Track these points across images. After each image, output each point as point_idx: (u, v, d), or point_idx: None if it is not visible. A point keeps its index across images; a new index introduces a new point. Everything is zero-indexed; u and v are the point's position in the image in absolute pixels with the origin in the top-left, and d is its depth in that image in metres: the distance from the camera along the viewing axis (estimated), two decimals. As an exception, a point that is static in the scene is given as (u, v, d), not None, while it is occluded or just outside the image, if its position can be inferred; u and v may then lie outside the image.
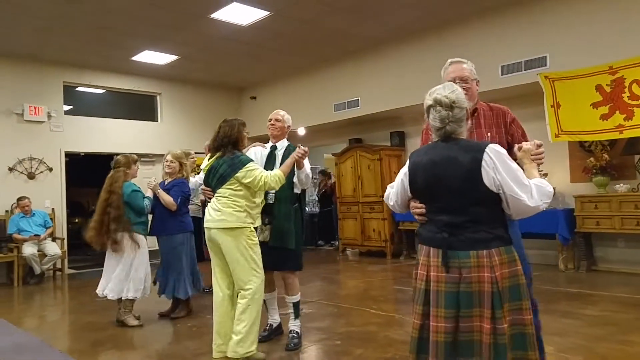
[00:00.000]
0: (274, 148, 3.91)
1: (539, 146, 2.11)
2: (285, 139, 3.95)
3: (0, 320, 5.08)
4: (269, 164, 3.79)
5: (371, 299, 5.27)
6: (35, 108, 8.12)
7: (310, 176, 3.78)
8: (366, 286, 6.08)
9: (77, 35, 7.14)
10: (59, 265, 7.95)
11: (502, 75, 6.63)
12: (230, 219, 3.34)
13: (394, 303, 5.22)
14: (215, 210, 3.41)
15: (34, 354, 3.90)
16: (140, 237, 4.61)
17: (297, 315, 3.83)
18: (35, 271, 7.31)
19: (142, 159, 9.33)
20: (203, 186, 3.68)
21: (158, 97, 9.80)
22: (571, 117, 5.85)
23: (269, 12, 6.51)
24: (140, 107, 9.70)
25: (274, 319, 4.02)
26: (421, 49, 7.59)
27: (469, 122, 2.12)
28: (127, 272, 4.55)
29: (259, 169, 3.43)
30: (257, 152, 3.89)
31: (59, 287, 7.26)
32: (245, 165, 3.38)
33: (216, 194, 3.46)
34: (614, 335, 3.74)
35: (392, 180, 8.71)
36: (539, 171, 2.12)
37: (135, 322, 4.57)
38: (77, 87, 8.90)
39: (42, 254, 7.41)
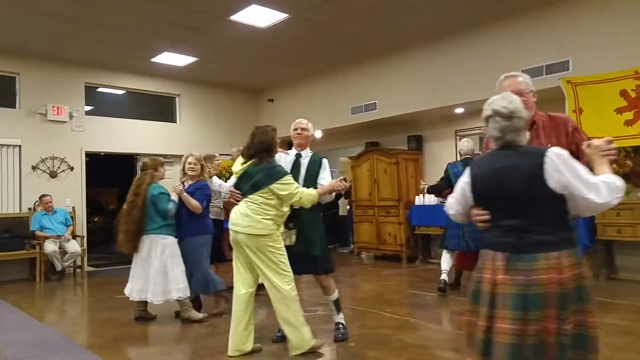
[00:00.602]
0: (298, 156, 3.97)
1: (609, 142, 2.12)
2: (308, 148, 4.04)
3: (23, 314, 5.21)
4: (293, 172, 3.83)
5: (386, 303, 5.27)
6: (58, 108, 8.29)
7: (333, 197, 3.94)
8: (381, 290, 6.07)
9: (98, 37, 7.28)
10: (78, 263, 8.09)
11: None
12: (258, 226, 3.44)
13: (408, 307, 5.21)
14: (244, 215, 3.48)
15: (54, 347, 3.98)
16: (170, 239, 4.65)
17: (339, 311, 3.96)
18: (57, 268, 7.47)
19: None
20: (232, 188, 3.72)
21: (177, 99, 9.92)
22: (594, 122, 5.72)
23: (287, 15, 6.56)
24: (160, 108, 9.83)
25: None
26: (439, 53, 7.57)
27: (527, 133, 2.16)
28: (165, 274, 4.56)
29: (295, 183, 3.55)
30: (279, 159, 3.91)
31: (78, 284, 7.39)
32: (282, 177, 3.49)
33: (246, 199, 3.53)
34: (634, 345, 3.69)
35: (408, 184, 8.70)
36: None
37: (200, 316, 4.62)
38: (98, 87, 9.05)
39: (63, 251, 7.56)
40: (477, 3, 6.38)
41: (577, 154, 2.36)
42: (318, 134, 9.79)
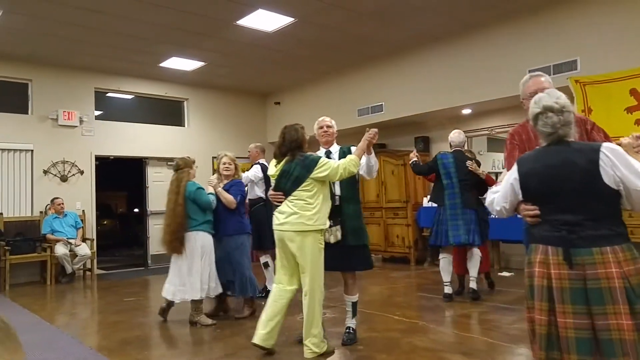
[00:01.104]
0: (328, 153, 3.99)
1: (638, 138, 2.17)
2: (335, 143, 4.08)
3: (34, 316, 5.27)
4: None
5: (394, 305, 5.25)
6: (68, 113, 8.39)
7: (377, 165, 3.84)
8: (389, 292, 6.05)
9: (108, 43, 7.37)
10: (88, 266, 8.17)
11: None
12: (308, 222, 3.48)
13: (417, 310, 5.18)
14: (291, 213, 3.52)
15: (65, 349, 4.03)
16: (208, 237, 4.71)
17: (354, 314, 3.98)
18: (67, 270, 7.56)
19: (168, 163, 9.60)
20: (272, 192, 3.74)
21: (185, 103, 10.00)
22: (603, 122, 5.59)
23: (293, 19, 6.59)
24: (168, 113, 9.91)
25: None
26: (445, 54, 7.56)
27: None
28: (190, 273, 4.60)
29: (331, 161, 3.59)
30: None
31: (88, 287, 7.46)
32: (317, 162, 3.53)
33: (291, 197, 3.56)
34: None
35: (416, 185, 8.61)
36: None
37: (209, 321, 4.60)
38: (108, 92, 9.15)
39: (73, 254, 7.64)
40: (483, 4, 6.37)
41: None
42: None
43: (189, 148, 9.65)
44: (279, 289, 3.66)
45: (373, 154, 3.78)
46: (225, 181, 4.93)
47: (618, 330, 1.84)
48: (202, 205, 4.63)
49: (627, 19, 5.79)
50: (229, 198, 4.73)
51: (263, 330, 3.56)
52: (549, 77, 2.67)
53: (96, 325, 5.09)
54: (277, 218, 3.61)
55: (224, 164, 4.93)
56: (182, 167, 4.80)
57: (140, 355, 3.89)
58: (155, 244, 9.43)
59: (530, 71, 6.43)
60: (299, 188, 3.51)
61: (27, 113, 8.18)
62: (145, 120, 9.47)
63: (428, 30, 7.24)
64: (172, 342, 4.28)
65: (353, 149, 3.86)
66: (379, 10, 6.41)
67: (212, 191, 4.78)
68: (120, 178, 13.18)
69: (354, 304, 3.98)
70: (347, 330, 3.97)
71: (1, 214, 7.67)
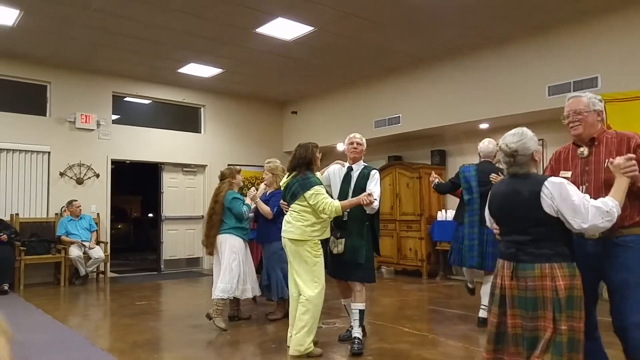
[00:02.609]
0: (350, 169, 4.18)
1: (629, 159, 2.31)
2: (361, 161, 4.22)
3: (48, 316, 5.31)
4: (345, 184, 4.13)
5: (405, 318, 5.22)
6: (86, 116, 8.48)
7: (378, 206, 3.98)
8: (401, 305, 6.01)
9: (127, 48, 7.46)
10: (102, 268, 8.21)
11: (549, 95, 6.48)
12: (296, 231, 3.80)
13: (428, 323, 5.13)
14: (287, 222, 3.89)
15: (77, 350, 4.05)
16: (239, 240, 4.91)
17: (360, 323, 4.04)
18: (80, 272, 7.60)
19: (184, 169, 9.65)
20: (282, 201, 4.19)
21: (202, 109, 10.07)
22: None
23: (312, 28, 6.61)
24: (185, 118, 9.98)
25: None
26: (464, 67, 7.53)
27: (585, 148, 2.59)
28: (218, 273, 4.85)
29: (323, 194, 3.79)
30: (335, 170, 4.26)
31: (101, 289, 7.50)
32: (313, 187, 3.78)
33: (290, 208, 3.92)
34: None
35: (431, 198, 8.58)
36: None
37: (222, 325, 4.66)
38: (125, 97, 9.25)
39: (87, 257, 7.70)
40: (504, 18, 6.34)
41: None
42: (340, 147, 9.81)
43: (204, 155, 9.73)
44: (290, 294, 3.97)
45: (373, 205, 3.85)
46: (270, 190, 5.15)
47: (543, 331, 2.23)
48: (235, 215, 4.88)
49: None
50: (264, 209, 4.98)
51: (292, 339, 3.81)
52: (592, 97, 2.70)
53: (108, 327, 5.12)
54: (283, 225, 3.94)
55: (265, 173, 5.23)
56: (226, 176, 5.09)
57: (150, 358, 3.89)
58: (169, 249, 9.49)
59: (549, 87, 6.49)
60: (296, 202, 3.84)
61: (45, 115, 8.28)
62: (161, 125, 9.55)
63: (447, 42, 7.21)
64: (182, 346, 4.26)
65: (374, 173, 4.09)
66: (399, 21, 6.41)
67: (249, 202, 5.01)
68: (135, 182, 13.29)
69: (360, 312, 4.04)
70: (354, 341, 3.98)
71: (17, 214, 7.76)
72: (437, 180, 5.15)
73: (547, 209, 2.25)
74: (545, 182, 2.28)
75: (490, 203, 2.56)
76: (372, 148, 9.77)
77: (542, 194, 2.27)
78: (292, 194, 3.87)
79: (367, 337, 4.31)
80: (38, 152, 8.11)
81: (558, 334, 2.20)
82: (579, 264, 2.31)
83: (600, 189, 2.46)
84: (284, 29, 6.63)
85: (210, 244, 4.93)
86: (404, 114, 8.44)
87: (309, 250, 3.78)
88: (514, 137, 2.38)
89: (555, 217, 2.26)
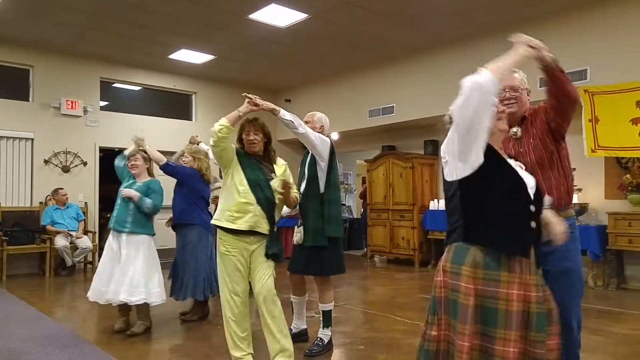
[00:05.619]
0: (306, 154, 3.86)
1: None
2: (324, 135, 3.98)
3: (32, 308, 5.17)
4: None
5: (397, 307, 5.25)
6: (72, 102, 8.25)
7: (295, 122, 3.48)
8: (393, 293, 6.03)
9: (115, 32, 7.22)
10: (89, 259, 8.05)
11: (540, 87, 6.40)
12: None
13: (419, 311, 5.11)
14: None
15: (62, 342, 3.92)
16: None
17: (326, 325, 3.67)
18: (67, 263, 7.43)
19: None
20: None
21: (193, 96, 9.88)
22: (609, 132, 5.77)
23: (307, 15, 6.47)
24: (176, 106, 9.79)
25: (296, 324, 3.90)
26: (459, 57, 7.43)
27: (518, 129, 2.42)
28: None
29: None
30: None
31: (88, 280, 7.23)
32: None
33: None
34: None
35: (423, 189, 8.58)
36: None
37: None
38: (114, 83, 9.03)
39: (74, 247, 7.52)
40: (497, 8, 6.29)
41: (558, 131, 2.45)
42: (334, 136, 9.69)
43: (194, 142, 9.54)
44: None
45: (282, 112, 3.41)
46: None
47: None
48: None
49: (637, 30, 5.76)
50: (156, 155, 5.06)
51: None
52: (523, 74, 2.59)
53: (95, 319, 5.00)
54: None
55: (186, 156, 5.19)
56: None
57: (139, 350, 3.81)
58: (160, 239, 9.29)
59: (541, 79, 6.40)
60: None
61: (27, 100, 8.02)
62: (152, 112, 9.34)
63: (442, 32, 7.12)
64: (172, 335, 4.19)
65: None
66: (394, 10, 6.30)
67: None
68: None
69: (325, 313, 3.65)
70: (316, 340, 3.65)
71: None
72: None
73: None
74: None
75: None
76: (366, 137, 9.72)
77: None
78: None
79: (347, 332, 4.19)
80: (21, 138, 7.87)
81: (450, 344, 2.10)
82: None
83: (534, 167, 2.35)
84: (278, 15, 6.48)
85: None
86: (398, 103, 8.36)
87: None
88: None
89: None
